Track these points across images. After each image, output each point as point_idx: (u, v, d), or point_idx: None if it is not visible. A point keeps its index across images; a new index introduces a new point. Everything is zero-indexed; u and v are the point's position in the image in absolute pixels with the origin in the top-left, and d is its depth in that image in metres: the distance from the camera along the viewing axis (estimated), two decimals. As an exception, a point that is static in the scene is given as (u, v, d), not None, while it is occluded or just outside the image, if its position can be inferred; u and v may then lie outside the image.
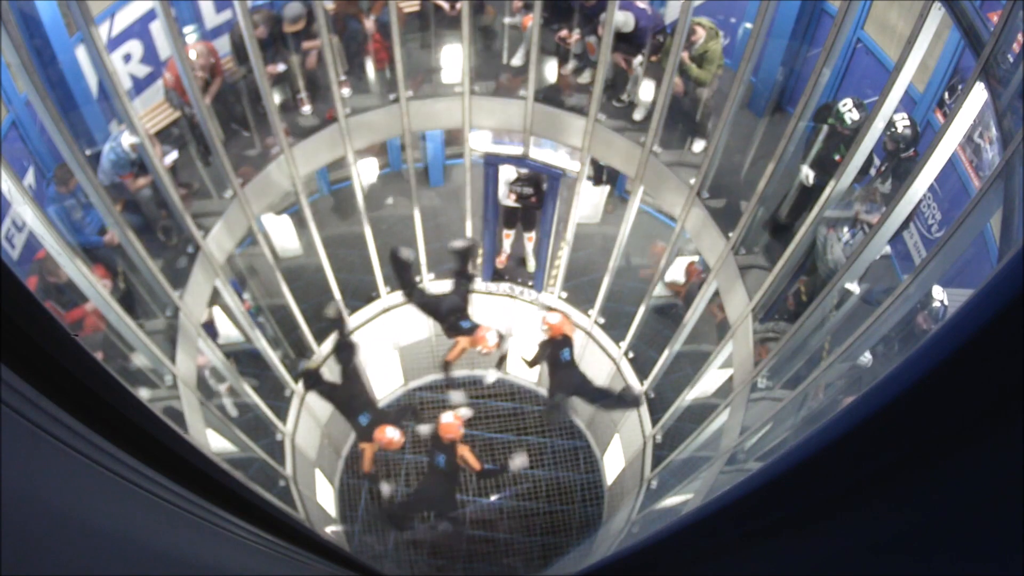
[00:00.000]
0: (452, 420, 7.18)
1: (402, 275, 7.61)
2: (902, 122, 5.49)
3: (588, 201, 9.79)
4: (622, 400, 7.70)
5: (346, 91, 7.57)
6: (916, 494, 0.79)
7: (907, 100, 5.97)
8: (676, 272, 8.45)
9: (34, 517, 0.77)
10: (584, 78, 7.92)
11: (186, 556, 1.22)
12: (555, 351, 7.43)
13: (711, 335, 7.93)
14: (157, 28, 7.29)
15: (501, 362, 7.99)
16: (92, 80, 6.57)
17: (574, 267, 9.22)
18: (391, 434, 6.99)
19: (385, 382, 10.29)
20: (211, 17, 7.99)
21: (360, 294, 9.22)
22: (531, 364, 7.62)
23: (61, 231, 4.92)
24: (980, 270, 4.94)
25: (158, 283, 5.89)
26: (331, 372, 7.87)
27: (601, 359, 9.45)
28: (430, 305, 7.68)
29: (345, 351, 7.56)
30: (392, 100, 7.54)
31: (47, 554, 0.78)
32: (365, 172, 9.80)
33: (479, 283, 9.28)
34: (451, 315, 7.52)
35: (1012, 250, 2.06)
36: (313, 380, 7.56)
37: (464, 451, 7.33)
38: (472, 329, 7.41)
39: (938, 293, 4.67)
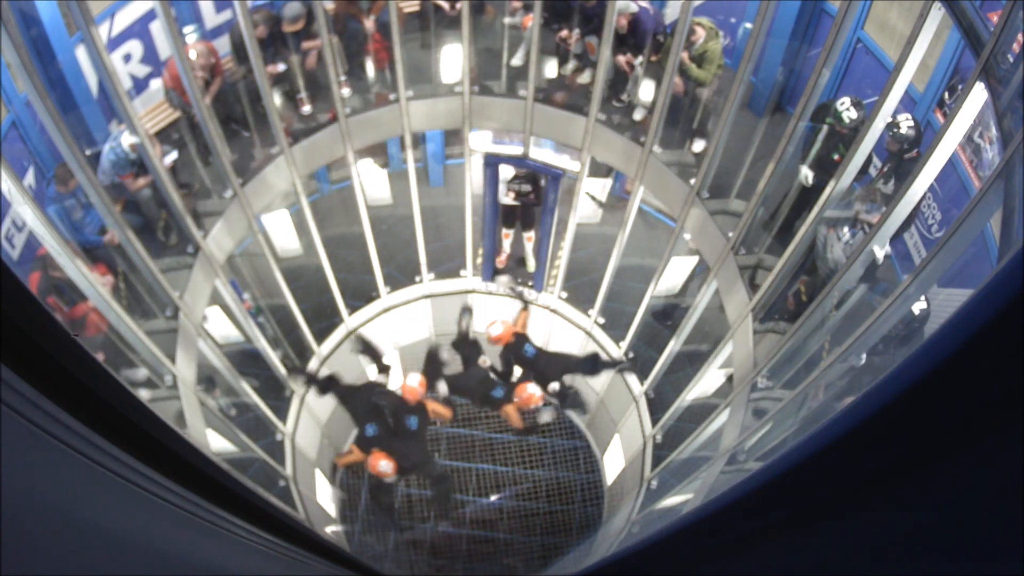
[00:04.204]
0: (414, 383, 7.16)
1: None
2: (906, 123, 5.47)
3: (588, 201, 9.79)
4: (611, 363, 7.82)
5: (346, 91, 7.57)
6: (916, 494, 0.79)
7: (907, 100, 5.96)
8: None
9: (34, 517, 0.77)
10: (584, 78, 7.93)
11: (186, 556, 1.22)
12: (517, 354, 7.45)
13: (711, 335, 7.93)
14: (157, 28, 7.29)
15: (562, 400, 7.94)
16: (92, 80, 6.57)
17: (574, 267, 9.22)
18: (384, 467, 7.00)
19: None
20: (211, 17, 7.99)
21: (360, 294, 9.22)
22: (503, 376, 7.64)
23: (61, 231, 4.92)
24: (980, 270, 4.94)
25: (158, 283, 5.89)
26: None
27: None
28: (458, 387, 7.67)
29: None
30: (392, 100, 7.54)
31: (47, 554, 0.78)
32: (371, 180, 9.80)
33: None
34: (480, 388, 7.55)
35: (1012, 250, 2.06)
36: (324, 383, 7.55)
37: (434, 406, 7.28)
38: (508, 395, 7.37)
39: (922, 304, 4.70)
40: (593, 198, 9.90)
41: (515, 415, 7.39)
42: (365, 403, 7.34)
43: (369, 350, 7.90)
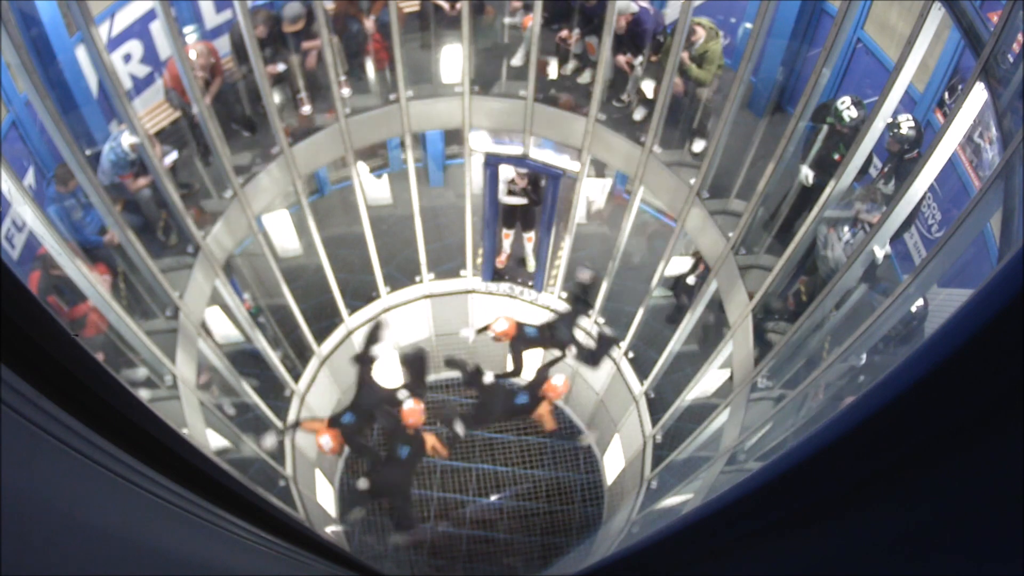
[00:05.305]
0: (414, 406, 7.02)
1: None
2: (907, 123, 5.47)
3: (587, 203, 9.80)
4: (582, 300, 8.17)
5: (346, 91, 7.57)
6: (916, 494, 0.79)
7: (907, 100, 5.96)
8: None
9: (34, 517, 0.77)
10: (584, 78, 7.92)
11: (186, 556, 1.22)
12: (524, 340, 7.54)
13: (711, 335, 7.93)
14: (157, 28, 7.29)
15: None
16: (92, 80, 6.57)
17: (574, 267, 9.21)
18: (324, 442, 6.96)
19: (384, 382, 10.26)
20: (211, 17, 7.99)
21: (360, 294, 9.22)
22: (516, 372, 7.66)
23: (61, 231, 4.92)
24: (980, 270, 4.94)
25: (158, 283, 5.89)
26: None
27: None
28: (482, 415, 7.66)
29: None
30: (392, 100, 7.54)
31: (47, 554, 0.78)
32: (371, 180, 9.79)
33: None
34: (505, 403, 7.61)
35: (1012, 250, 2.06)
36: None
37: (434, 442, 7.22)
38: (534, 399, 7.46)
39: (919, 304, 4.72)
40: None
41: (548, 416, 7.45)
42: (368, 403, 7.25)
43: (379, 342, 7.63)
